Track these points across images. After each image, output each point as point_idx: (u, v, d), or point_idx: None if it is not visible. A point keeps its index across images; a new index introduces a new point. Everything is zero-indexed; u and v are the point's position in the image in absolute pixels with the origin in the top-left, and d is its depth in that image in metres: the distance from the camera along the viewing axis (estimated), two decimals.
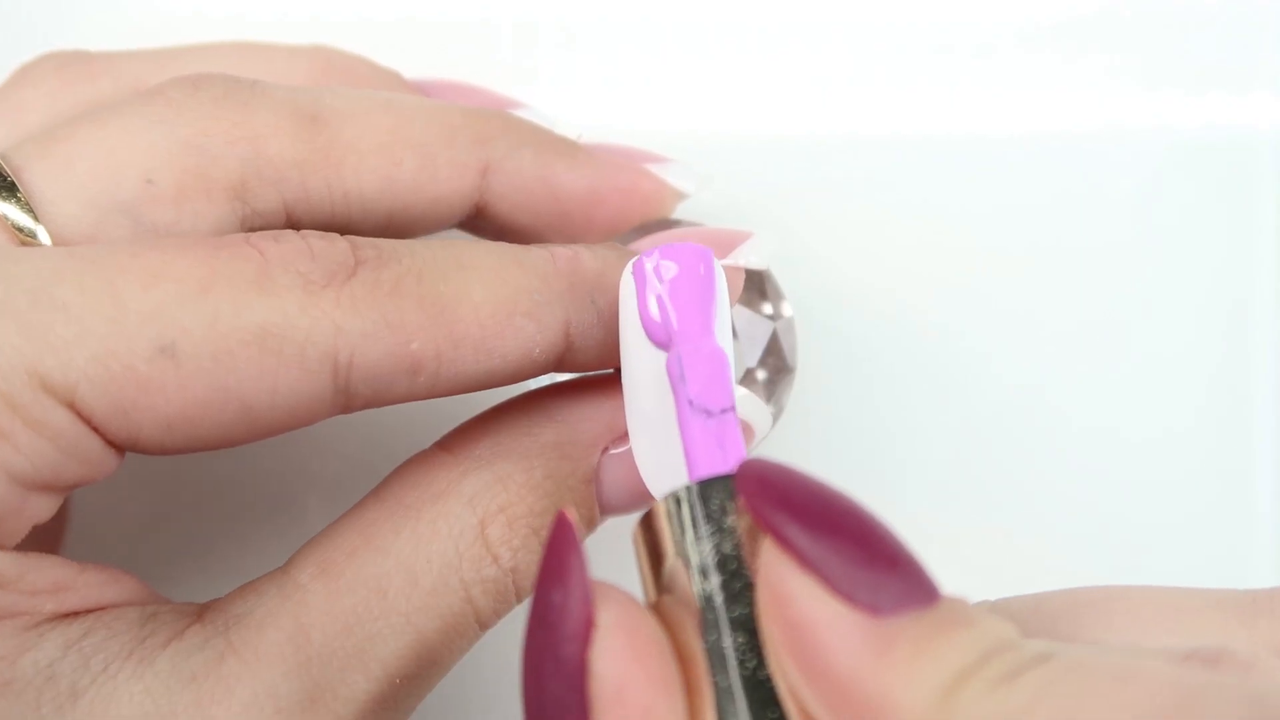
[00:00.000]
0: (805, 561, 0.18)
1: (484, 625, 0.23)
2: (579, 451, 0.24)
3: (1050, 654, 0.17)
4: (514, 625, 0.32)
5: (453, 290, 0.23)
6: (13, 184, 0.23)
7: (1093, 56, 0.34)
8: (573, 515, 0.20)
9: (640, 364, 0.23)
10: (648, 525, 0.21)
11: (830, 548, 0.18)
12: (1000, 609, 0.21)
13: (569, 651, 0.19)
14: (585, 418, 0.25)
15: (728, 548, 0.20)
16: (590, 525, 0.25)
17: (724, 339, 0.23)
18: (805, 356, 0.32)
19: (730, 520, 0.20)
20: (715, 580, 0.19)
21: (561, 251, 0.24)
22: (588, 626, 0.19)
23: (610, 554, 0.33)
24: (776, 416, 0.30)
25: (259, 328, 0.21)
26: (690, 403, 0.22)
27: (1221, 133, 0.34)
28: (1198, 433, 0.34)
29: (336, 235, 0.23)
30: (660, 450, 0.23)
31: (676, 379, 0.22)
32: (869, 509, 0.19)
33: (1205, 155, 0.34)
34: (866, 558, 0.18)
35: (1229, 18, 0.34)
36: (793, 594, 0.18)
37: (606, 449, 0.25)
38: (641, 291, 0.23)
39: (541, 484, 0.24)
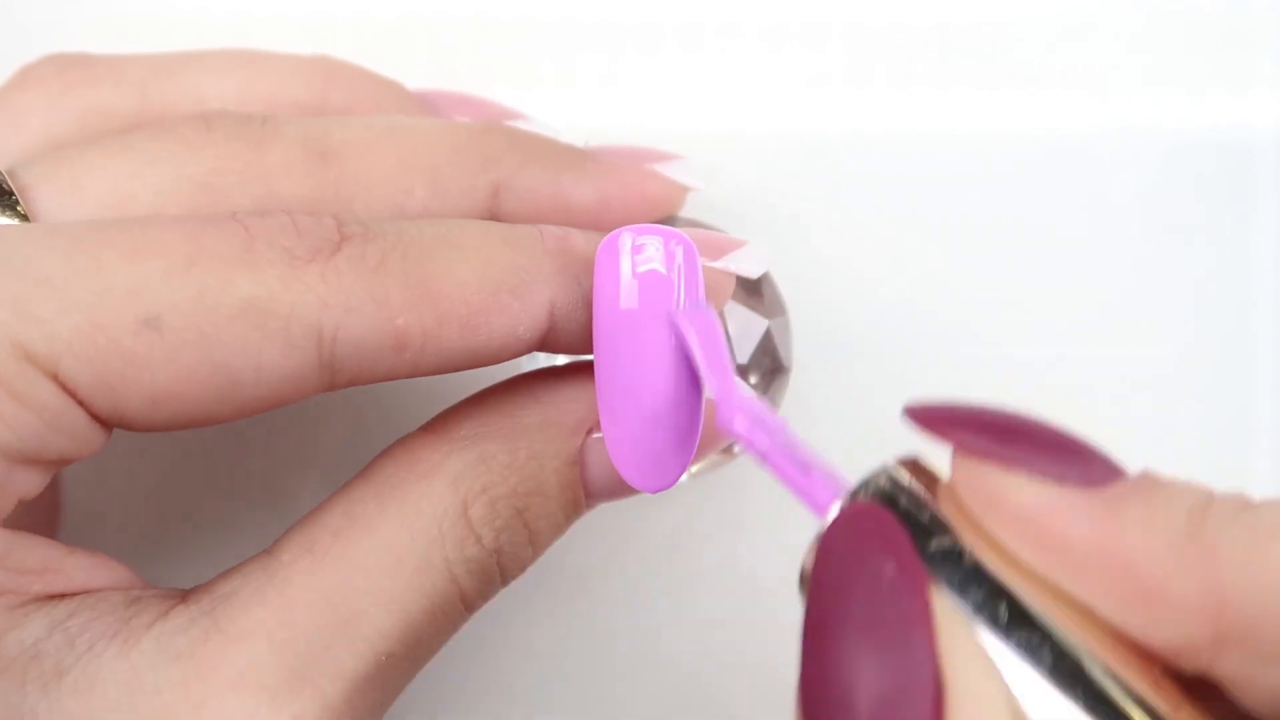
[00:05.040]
0: (1010, 462, 0.19)
1: (469, 607, 0.23)
2: (563, 434, 0.24)
3: (1248, 498, 0.18)
4: (503, 615, 0.33)
5: (438, 267, 0.23)
6: (16, 201, 0.23)
7: (1093, 56, 0.34)
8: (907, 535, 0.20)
9: (630, 343, 0.23)
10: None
11: (1025, 448, 0.19)
12: None
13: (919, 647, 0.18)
14: (570, 400, 0.24)
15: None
16: (576, 509, 0.25)
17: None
18: (803, 355, 0.32)
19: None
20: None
21: (551, 230, 0.24)
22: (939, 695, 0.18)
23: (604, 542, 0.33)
24: None
25: (244, 302, 0.21)
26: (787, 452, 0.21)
27: (1221, 133, 0.34)
28: (1198, 432, 0.34)
29: (324, 213, 0.23)
30: (649, 436, 0.23)
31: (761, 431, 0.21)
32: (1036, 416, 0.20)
33: (1205, 155, 0.34)
34: (1059, 450, 0.19)
35: (1229, 18, 0.34)
36: (1007, 492, 0.19)
37: (591, 431, 0.24)
38: (616, 263, 0.23)
39: (525, 465, 0.24)
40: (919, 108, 0.35)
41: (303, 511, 0.24)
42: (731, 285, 0.26)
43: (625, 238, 0.23)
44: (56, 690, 0.21)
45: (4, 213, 0.23)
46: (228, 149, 0.25)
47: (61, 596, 0.22)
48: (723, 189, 0.33)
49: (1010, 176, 0.34)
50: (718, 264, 0.26)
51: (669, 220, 0.29)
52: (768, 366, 0.30)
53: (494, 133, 0.27)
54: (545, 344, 0.24)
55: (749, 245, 0.27)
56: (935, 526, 0.19)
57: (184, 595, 0.23)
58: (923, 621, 0.18)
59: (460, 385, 0.26)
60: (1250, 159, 0.34)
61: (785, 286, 0.31)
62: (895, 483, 0.20)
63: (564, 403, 0.24)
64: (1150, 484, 0.19)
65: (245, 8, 0.34)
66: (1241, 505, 0.18)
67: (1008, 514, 0.19)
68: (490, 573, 0.23)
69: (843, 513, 0.20)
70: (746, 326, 0.30)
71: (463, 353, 0.23)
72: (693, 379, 0.23)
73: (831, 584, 0.19)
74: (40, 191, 0.24)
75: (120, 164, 0.24)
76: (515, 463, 0.24)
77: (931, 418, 0.20)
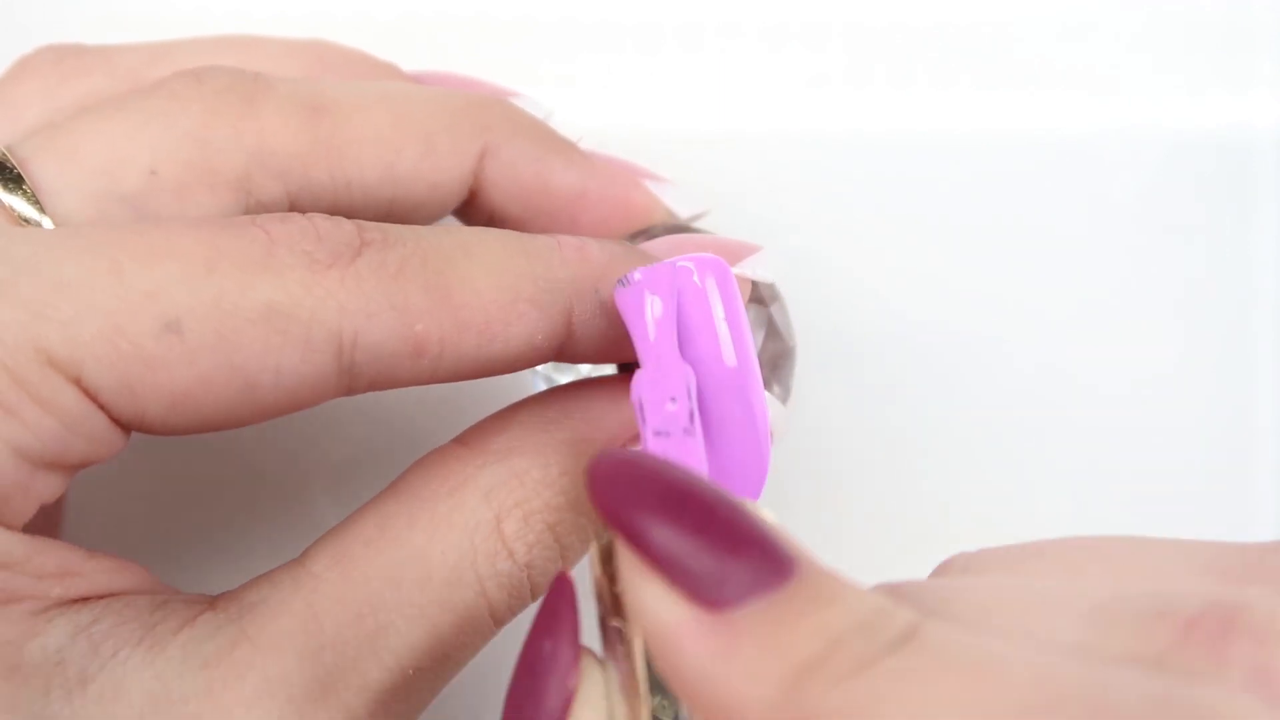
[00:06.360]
0: (649, 557, 0.17)
1: (499, 621, 0.23)
2: (595, 449, 0.24)
3: (913, 633, 0.16)
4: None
5: (458, 274, 0.22)
6: (19, 176, 0.23)
7: (1092, 56, 0.34)
8: (573, 577, 0.20)
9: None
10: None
11: (674, 536, 0.17)
12: (955, 562, 0.20)
13: (553, 702, 0.20)
14: (602, 416, 0.24)
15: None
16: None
17: (751, 350, 0.24)
18: (802, 354, 0.32)
19: None
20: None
21: (569, 240, 0.24)
22: (572, 680, 0.20)
23: None
24: (785, 399, 0.30)
25: (265, 306, 0.21)
26: (653, 432, 0.22)
27: (1221, 133, 0.34)
28: (1198, 433, 0.34)
29: (342, 218, 0.23)
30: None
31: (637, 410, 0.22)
32: (716, 485, 0.18)
33: (1205, 155, 0.34)
34: (710, 542, 0.17)
35: (1229, 18, 0.34)
36: (644, 602, 0.17)
37: (624, 447, 0.24)
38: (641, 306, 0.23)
39: (557, 480, 0.23)
40: (919, 108, 0.35)
41: (317, 516, 0.24)
42: (749, 291, 0.26)
43: (638, 275, 0.23)
44: (81, 698, 0.21)
45: (6, 187, 0.23)
46: (219, 102, 0.24)
47: (84, 601, 0.22)
48: (723, 189, 0.33)
49: (1010, 176, 0.34)
50: (735, 270, 0.25)
51: (653, 228, 0.29)
52: (772, 350, 0.30)
53: (489, 104, 0.27)
54: (563, 353, 0.24)
55: (763, 251, 0.27)
56: (615, 608, 0.20)
57: (211, 602, 0.22)
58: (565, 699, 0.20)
59: (477, 392, 0.25)
60: (1250, 159, 0.34)
61: (785, 286, 0.31)
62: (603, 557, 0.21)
63: (596, 418, 0.24)
64: (786, 609, 0.16)
65: (245, 8, 0.34)
66: (859, 664, 0.16)
67: (642, 625, 0.17)
68: (521, 587, 0.23)
69: (556, 578, 0.21)
70: (750, 318, 0.30)
71: (480, 360, 0.23)
72: (751, 406, 0.23)
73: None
74: (39, 162, 0.23)
75: (114, 125, 0.24)
76: (548, 478, 0.23)
77: (600, 484, 0.18)
